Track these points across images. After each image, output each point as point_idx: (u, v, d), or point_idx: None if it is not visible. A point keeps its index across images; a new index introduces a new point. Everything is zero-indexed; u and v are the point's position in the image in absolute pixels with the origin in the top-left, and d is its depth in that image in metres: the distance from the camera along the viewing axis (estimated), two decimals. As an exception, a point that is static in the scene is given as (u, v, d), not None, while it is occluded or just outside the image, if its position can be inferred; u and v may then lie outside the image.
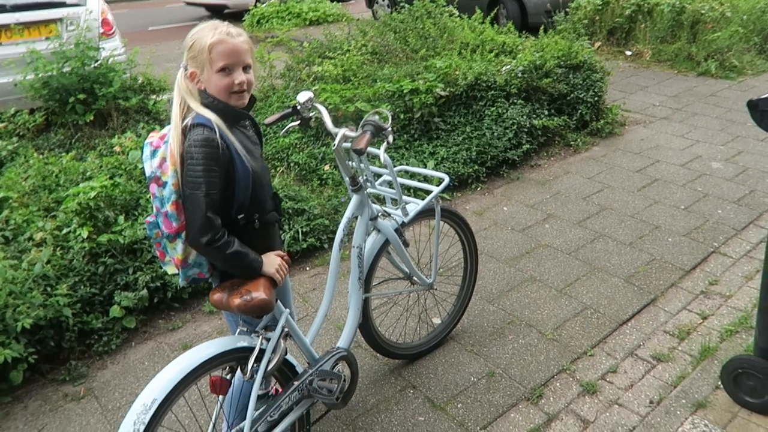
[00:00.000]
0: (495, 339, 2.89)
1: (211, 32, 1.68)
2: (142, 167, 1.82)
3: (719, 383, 2.47)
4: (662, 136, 5.36)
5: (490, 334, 2.93)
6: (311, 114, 2.21)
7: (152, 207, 1.75)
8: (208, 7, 13.51)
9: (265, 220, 1.84)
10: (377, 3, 11.48)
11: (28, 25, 5.39)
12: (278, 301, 1.88)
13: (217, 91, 1.71)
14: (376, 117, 2.11)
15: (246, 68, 1.74)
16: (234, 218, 1.76)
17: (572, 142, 5.16)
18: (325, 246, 3.67)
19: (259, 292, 1.73)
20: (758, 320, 2.33)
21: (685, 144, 5.17)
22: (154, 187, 1.70)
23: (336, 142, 2.03)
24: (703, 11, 7.42)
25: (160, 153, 1.70)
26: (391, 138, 2.11)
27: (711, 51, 7.28)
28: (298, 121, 2.24)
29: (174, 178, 1.66)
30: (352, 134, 2.06)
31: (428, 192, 2.44)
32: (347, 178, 2.18)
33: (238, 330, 1.91)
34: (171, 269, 1.84)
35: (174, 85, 1.74)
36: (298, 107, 2.18)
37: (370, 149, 2.07)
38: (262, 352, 1.83)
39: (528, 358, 2.76)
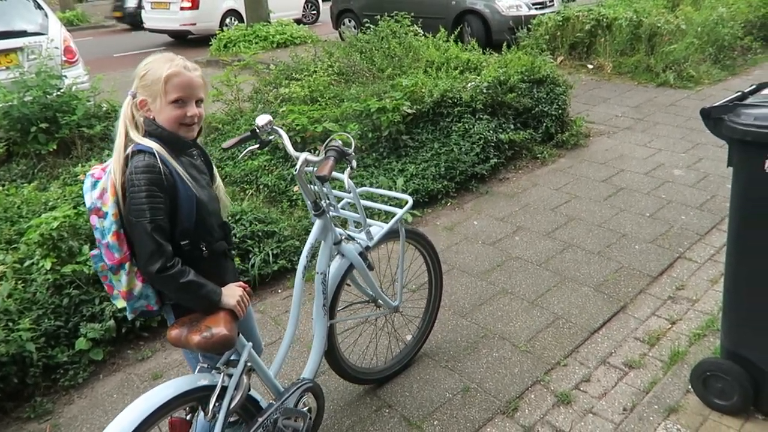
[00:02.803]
0: (469, 353, 2.89)
1: (167, 64, 1.69)
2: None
3: (690, 387, 2.51)
4: (626, 146, 5.49)
5: (464, 348, 2.93)
6: (271, 137, 2.19)
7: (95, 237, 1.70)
8: (171, 33, 13.42)
9: (213, 248, 1.81)
10: (344, 24, 11.61)
11: (-13, 55, 5.32)
12: (240, 334, 1.82)
13: (167, 122, 1.70)
14: (339, 142, 2.10)
15: (198, 102, 1.75)
16: (177, 244, 1.70)
17: (539, 155, 5.24)
18: (297, 267, 3.63)
19: (219, 328, 1.67)
20: (723, 323, 2.38)
21: (648, 153, 5.30)
22: (94, 219, 1.67)
23: (297, 166, 2.01)
24: (659, 24, 7.67)
25: (101, 184, 1.67)
26: (354, 163, 2.11)
27: (669, 62, 7.51)
28: (257, 145, 2.23)
29: (114, 208, 1.64)
30: (314, 159, 2.05)
31: (392, 214, 2.42)
32: (309, 203, 2.15)
33: (198, 367, 1.84)
34: (120, 303, 1.77)
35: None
36: (257, 131, 2.16)
37: (333, 174, 2.06)
38: (224, 389, 1.76)
39: (502, 371, 2.76)
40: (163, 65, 1.68)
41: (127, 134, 1.69)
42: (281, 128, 2.20)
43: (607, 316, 3.11)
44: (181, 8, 12.50)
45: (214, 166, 1.94)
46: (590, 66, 8.14)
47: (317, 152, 2.14)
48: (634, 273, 3.48)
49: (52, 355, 2.82)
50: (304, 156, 2.02)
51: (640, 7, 8.55)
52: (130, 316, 1.80)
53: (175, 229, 1.70)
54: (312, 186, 2.17)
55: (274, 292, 3.51)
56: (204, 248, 1.77)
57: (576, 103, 6.50)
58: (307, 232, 3.82)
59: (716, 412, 2.39)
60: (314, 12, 15.93)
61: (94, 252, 1.74)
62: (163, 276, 1.63)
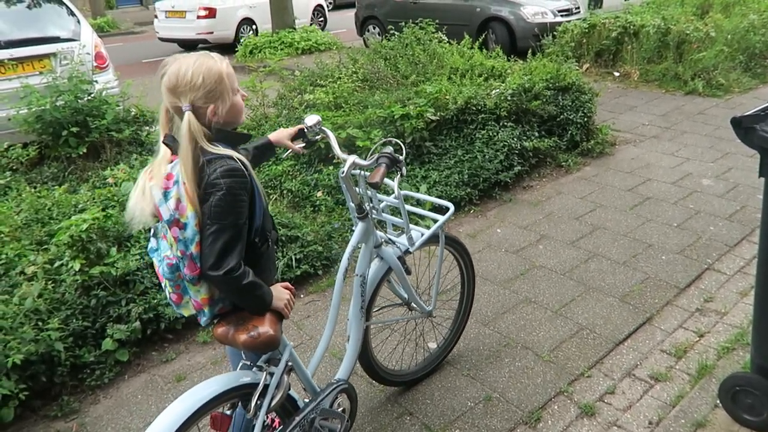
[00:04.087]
0: (491, 362, 2.87)
1: (210, 59, 1.65)
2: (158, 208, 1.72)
3: (718, 402, 2.45)
4: (653, 155, 5.41)
5: (487, 357, 2.91)
6: (317, 137, 2.21)
7: (176, 250, 1.63)
8: (183, 42, 13.00)
9: (272, 237, 1.82)
10: (368, 31, 11.67)
11: (21, 61, 5.46)
12: (282, 334, 1.85)
13: (237, 112, 1.71)
14: (391, 148, 2.09)
15: None
16: (252, 241, 1.72)
17: (563, 163, 5.20)
18: (319, 272, 3.66)
19: (266, 328, 1.69)
20: (753, 337, 2.32)
21: (676, 162, 5.21)
22: (176, 231, 1.60)
23: (345, 168, 2.01)
24: (687, 32, 7.56)
25: (174, 194, 1.60)
26: (404, 170, 2.09)
27: (697, 70, 7.40)
28: (303, 144, 2.24)
29: (195, 218, 1.59)
30: (363, 162, 2.05)
31: (429, 218, 2.43)
32: (353, 205, 2.15)
33: (240, 364, 1.87)
34: (188, 311, 1.78)
35: (181, 130, 1.61)
36: (306, 130, 2.17)
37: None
38: (265, 387, 1.79)
39: (525, 381, 2.74)
40: (209, 62, 1.64)
41: (199, 147, 1.61)
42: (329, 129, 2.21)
43: (633, 328, 3.06)
44: (198, 17, 12.34)
45: None
46: (617, 74, 8.06)
47: (367, 156, 2.14)
48: (660, 284, 3.42)
49: (80, 354, 2.87)
50: (352, 159, 2.02)
51: (668, 14, 8.45)
52: (205, 323, 1.78)
53: (251, 228, 1.70)
54: (357, 189, 2.17)
55: (296, 296, 3.52)
56: (269, 239, 1.78)
57: (602, 111, 6.43)
58: (330, 238, 3.86)
59: (745, 428, 2.33)
60: (321, 20, 15.79)
61: (172, 261, 1.67)
62: (231, 277, 1.60)
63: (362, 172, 2.11)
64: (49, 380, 2.76)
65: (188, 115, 1.60)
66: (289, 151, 2.28)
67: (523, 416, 2.53)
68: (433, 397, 2.68)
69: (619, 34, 8.04)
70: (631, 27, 7.97)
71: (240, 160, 1.64)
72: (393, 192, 2.16)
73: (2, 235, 3.35)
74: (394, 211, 2.33)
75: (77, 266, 3.03)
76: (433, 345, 2.94)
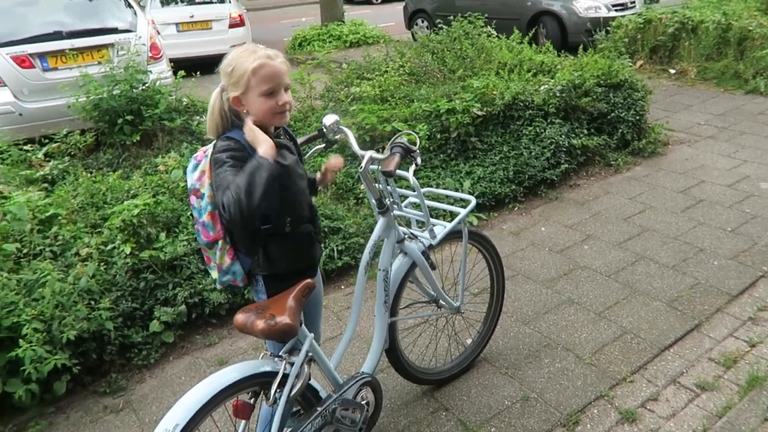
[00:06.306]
0: (530, 362, 2.83)
1: (252, 56, 1.71)
2: (185, 181, 1.91)
3: (768, 415, 2.36)
4: (708, 156, 5.21)
5: (526, 356, 2.88)
6: (337, 137, 2.23)
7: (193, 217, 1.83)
8: (201, 60, 8.75)
9: (300, 230, 1.85)
10: (416, 24, 11.62)
11: (81, 51, 5.68)
12: (302, 325, 1.87)
13: (262, 114, 1.73)
14: (404, 139, 2.12)
15: (286, 89, 1.78)
16: (259, 228, 1.77)
17: (613, 162, 5.06)
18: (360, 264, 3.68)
19: (283, 317, 1.72)
20: (810, 349, 2.22)
21: (733, 164, 5.01)
22: (193, 199, 1.79)
23: (363, 164, 2.03)
24: (750, 28, 7.22)
25: (201, 166, 1.78)
26: (419, 160, 2.11)
27: (760, 68, 7.06)
28: (323, 145, 2.26)
29: (210, 190, 1.74)
30: (379, 156, 2.06)
31: (455, 214, 2.42)
32: (373, 201, 2.17)
33: (262, 354, 1.92)
34: (215, 273, 1.90)
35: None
36: (324, 130, 2.19)
37: (398, 171, 2.08)
38: (285, 377, 1.81)
39: (564, 383, 2.69)
40: (248, 58, 1.71)
41: (217, 124, 1.79)
42: (349, 127, 2.23)
43: (680, 334, 2.97)
44: (230, 26, 10.11)
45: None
46: (672, 71, 7.78)
47: (383, 150, 2.16)
48: (711, 290, 3.30)
49: (128, 335, 2.99)
50: (369, 154, 2.04)
51: (729, 9, 8.08)
52: (218, 286, 1.94)
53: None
54: (377, 184, 2.18)
55: (337, 288, 3.56)
56: (286, 228, 1.82)
57: (655, 110, 6.23)
58: (371, 231, 3.86)
59: (797, 444, 2.24)
60: None
61: (198, 227, 1.84)
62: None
63: (380, 167, 2.11)
64: (99, 357, 2.89)
65: (216, 91, 1.78)
66: (312, 150, 2.27)
67: (561, 418, 2.50)
68: (470, 394, 2.66)
69: (677, 30, 7.75)
70: (690, 22, 7.67)
71: (245, 145, 1.70)
72: (419, 187, 2.17)
73: (60, 218, 3.50)
74: (418, 207, 2.32)
75: (128, 250, 3.15)
76: (468, 341, 2.92)
